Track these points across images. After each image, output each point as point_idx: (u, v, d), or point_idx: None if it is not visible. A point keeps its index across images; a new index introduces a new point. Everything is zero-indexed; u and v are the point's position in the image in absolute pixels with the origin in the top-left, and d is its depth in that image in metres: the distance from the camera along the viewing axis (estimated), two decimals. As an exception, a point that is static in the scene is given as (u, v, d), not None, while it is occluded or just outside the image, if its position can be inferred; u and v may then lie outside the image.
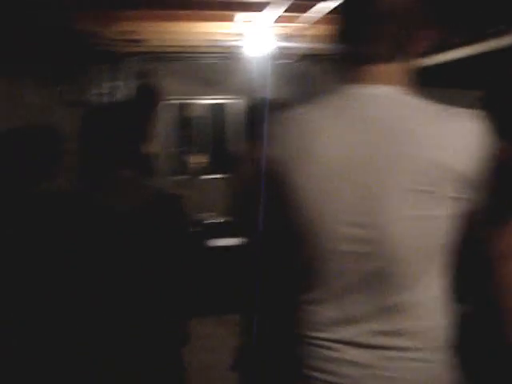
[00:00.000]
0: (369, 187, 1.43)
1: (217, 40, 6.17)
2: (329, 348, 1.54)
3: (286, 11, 4.64)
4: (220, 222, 6.39)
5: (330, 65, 7.94)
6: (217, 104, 8.08)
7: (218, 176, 7.62)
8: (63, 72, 7.10)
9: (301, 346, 1.61)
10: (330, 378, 1.54)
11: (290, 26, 5.32)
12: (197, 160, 8.02)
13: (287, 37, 5.66)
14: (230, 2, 4.59)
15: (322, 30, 5.34)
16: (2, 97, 7.17)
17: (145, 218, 2.37)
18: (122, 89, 7.44)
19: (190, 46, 6.72)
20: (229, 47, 6.57)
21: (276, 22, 5.02)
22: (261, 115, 3.63)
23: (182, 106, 8.13)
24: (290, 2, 4.44)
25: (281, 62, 6.07)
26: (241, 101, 7.58)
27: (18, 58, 7.15)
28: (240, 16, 4.91)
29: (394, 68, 1.52)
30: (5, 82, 7.13)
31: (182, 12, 4.92)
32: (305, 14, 4.82)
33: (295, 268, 1.62)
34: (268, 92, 6.61)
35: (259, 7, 4.64)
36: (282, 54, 6.09)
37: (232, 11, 4.84)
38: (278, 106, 3.82)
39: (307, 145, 1.47)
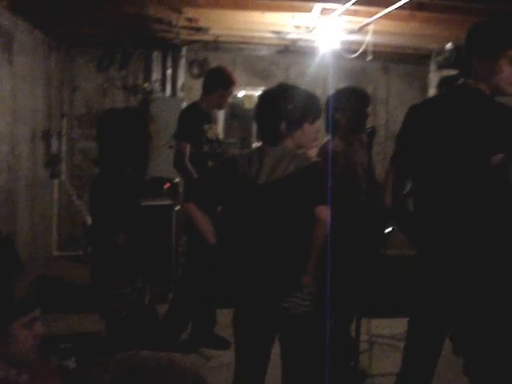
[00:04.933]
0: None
1: (280, 32, 6.07)
2: None
3: (359, 4, 4.51)
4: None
5: (393, 61, 7.84)
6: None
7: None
8: (123, 57, 7.10)
9: None
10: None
11: (358, 21, 5.19)
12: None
13: (354, 31, 5.51)
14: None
15: (389, 25, 5.21)
16: (59, 82, 7.21)
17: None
18: (181, 76, 7.41)
19: (250, 37, 6.63)
20: (292, 39, 6.46)
21: (346, 14, 4.89)
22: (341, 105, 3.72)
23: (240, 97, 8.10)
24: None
25: (345, 55, 5.90)
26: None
27: (80, 42, 7.20)
28: (317, 7, 4.81)
29: None
30: (61, 67, 7.18)
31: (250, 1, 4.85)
32: (374, 8, 4.71)
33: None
34: (330, 85, 6.51)
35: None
36: (347, 48, 5.94)
37: (309, 1, 4.77)
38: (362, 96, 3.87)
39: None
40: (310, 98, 2.88)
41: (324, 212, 2.74)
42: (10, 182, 5.43)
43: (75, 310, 4.72)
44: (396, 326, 4.94)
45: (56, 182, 7.19)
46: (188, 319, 4.49)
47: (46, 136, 6.59)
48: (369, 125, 3.59)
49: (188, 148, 4.32)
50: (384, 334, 5.13)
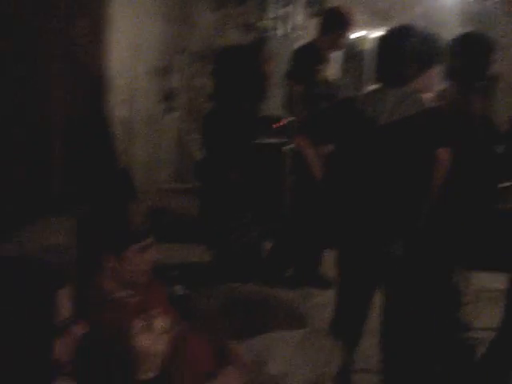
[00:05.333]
0: None
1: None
2: None
3: None
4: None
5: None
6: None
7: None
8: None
9: None
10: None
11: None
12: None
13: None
14: None
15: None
16: (177, 18, 7.30)
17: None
18: (298, 15, 7.32)
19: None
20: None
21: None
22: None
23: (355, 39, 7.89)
24: None
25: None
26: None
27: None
28: None
29: None
30: (178, 3, 7.24)
31: None
32: None
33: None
34: (453, 29, 6.23)
35: None
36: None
37: None
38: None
39: None
40: (435, 41, 2.80)
41: (445, 154, 2.69)
42: (129, 115, 5.62)
43: (185, 240, 4.89)
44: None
45: (171, 116, 7.36)
46: (293, 256, 4.57)
47: (164, 71, 6.73)
48: (491, 72, 3.45)
49: (300, 89, 4.30)
50: (491, 288, 5.01)
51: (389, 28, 2.92)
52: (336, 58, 7.18)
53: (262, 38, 7.11)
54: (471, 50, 3.59)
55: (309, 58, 4.37)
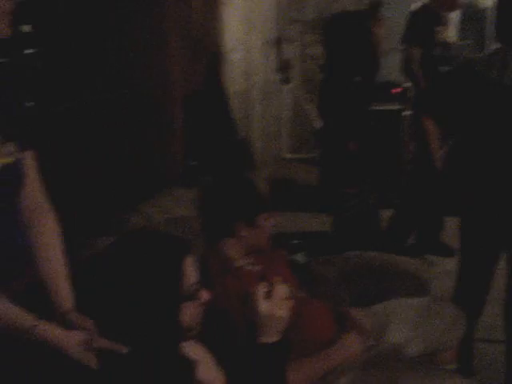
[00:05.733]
0: None
1: None
2: None
3: None
4: None
5: None
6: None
7: None
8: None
9: None
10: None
11: None
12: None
13: None
14: None
15: None
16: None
17: None
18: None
19: None
20: None
21: None
22: None
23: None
24: None
25: None
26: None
27: None
28: None
29: None
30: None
31: None
32: None
33: None
34: None
35: None
36: None
37: None
38: None
39: None
40: None
41: None
42: (245, 87, 5.71)
43: (304, 209, 4.93)
44: None
45: (287, 86, 7.40)
46: (414, 224, 4.50)
47: (278, 42, 6.76)
48: None
49: (418, 53, 4.19)
50: None
51: None
52: (455, 18, 6.94)
53: (376, 2, 6.95)
54: None
55: (425, 19, 4.25)
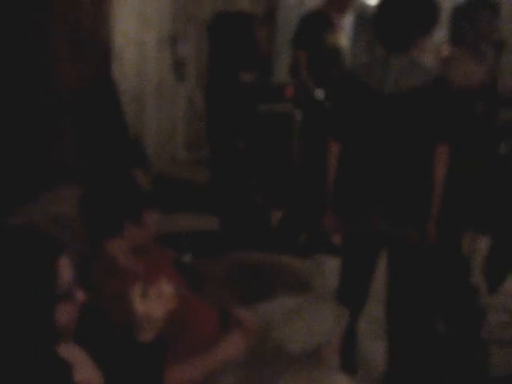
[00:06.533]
0: None
1: None
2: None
3: None
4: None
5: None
6: None
7: None
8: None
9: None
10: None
11: None
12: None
13: None
14: None
15: None
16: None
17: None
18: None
19: None
20: None
21: None
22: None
23: None
24: None
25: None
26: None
27: None
28: None
29: None
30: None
31: None
32: None
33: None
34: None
35: None
36: None
37: None
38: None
39: None
40: (434, 4, 2.67)
41: (444, 151, 2.61)
42: (138, 85, 5.63)
43: (197, 210, 4.90)
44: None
45: (182, 85, 7.35)
46: (304, 224, 4.59)
47: (173, 40, 6.71)
48: (497, 38, 3.42)
49: (304, 56, 4.27)
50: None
51: None
52: (347, 23, 7.11)
53: (273, 5, 7.03)
54: (476, 14, 3.54)
55: (314, 23, 4.32)
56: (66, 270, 1.43)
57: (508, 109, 3.72)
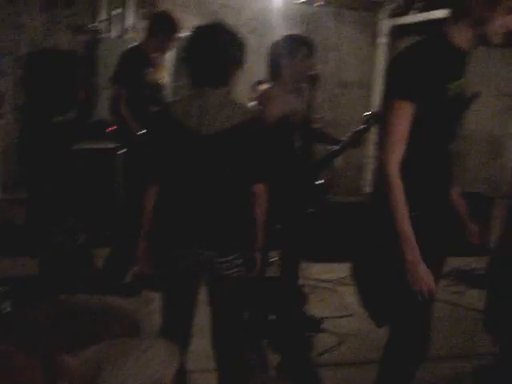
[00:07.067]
0: None
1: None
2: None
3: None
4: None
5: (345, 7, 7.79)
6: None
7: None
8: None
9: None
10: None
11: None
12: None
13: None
14: None
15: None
16: (3, 20, 6.96)
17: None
18: (130, 16, 7.23)
19: None
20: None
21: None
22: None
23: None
24: None
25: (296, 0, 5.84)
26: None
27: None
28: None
29: None
30: (3, 4, 6.91)
31: None
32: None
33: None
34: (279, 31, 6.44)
35: None
36: None
37: None
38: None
39: None
40: (241, 40, 2.71)
41: (262, 190, 2.71)
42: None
43: (8, 253, 4.58)
44: (336, 271, 5.10)
45: (0, 122, 7.01)
46: (130, 262, 4.50)
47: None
48: (313, 73, 3.62)
49: (124, 93, 4.26)
50: (325, 279, 5.27)
51: (196, 26, 2.72)
52: (169, 59, 7.18)
53: (93, 41, 6.94)
54: (292, 51, 3.72)
55: (134, 60, 4.34)
56: None
57: (320, 142, 3.97)
